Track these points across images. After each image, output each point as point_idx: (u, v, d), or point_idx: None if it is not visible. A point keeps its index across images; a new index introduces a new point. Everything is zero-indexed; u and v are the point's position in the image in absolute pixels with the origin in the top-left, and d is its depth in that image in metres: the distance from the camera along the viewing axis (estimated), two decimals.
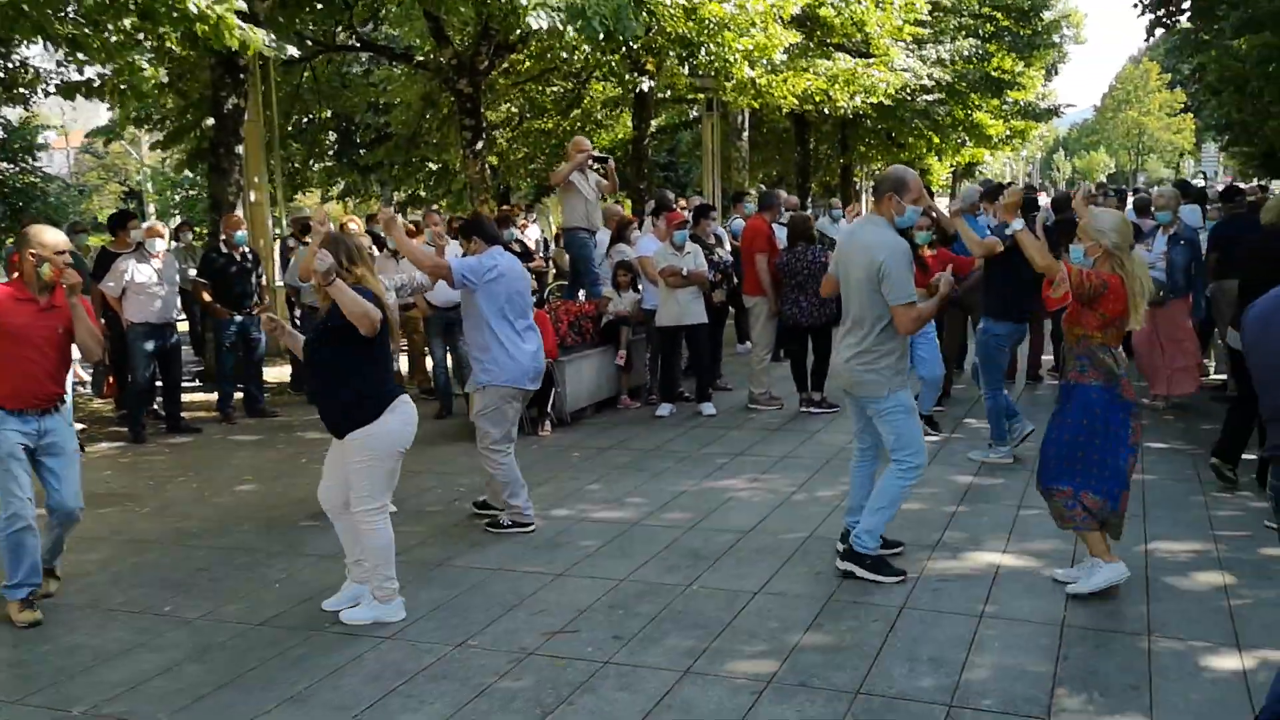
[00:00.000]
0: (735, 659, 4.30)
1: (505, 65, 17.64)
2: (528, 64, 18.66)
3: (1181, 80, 30.91)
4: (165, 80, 11.43)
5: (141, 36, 9.31)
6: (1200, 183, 25.69)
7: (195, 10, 6.65)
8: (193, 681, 4.27)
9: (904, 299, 4.90)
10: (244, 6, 7.18)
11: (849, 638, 4.48)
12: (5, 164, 17.83)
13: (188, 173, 25.18)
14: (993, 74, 27.30)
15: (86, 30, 8.11)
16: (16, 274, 5.06)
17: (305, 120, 19.90)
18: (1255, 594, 4.83)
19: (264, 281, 9.80)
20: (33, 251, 4.92)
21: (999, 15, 27.69)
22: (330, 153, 24.40)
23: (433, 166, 24.24)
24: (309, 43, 15.24)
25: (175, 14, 6.73)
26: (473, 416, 6.17)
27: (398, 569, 4.93)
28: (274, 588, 5.32)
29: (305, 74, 17.39)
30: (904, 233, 5.26)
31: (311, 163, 22.21)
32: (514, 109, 21.64)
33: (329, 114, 21.47)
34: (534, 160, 25.09)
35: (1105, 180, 65.67)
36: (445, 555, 5.74)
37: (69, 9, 8.18)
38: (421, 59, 16.36)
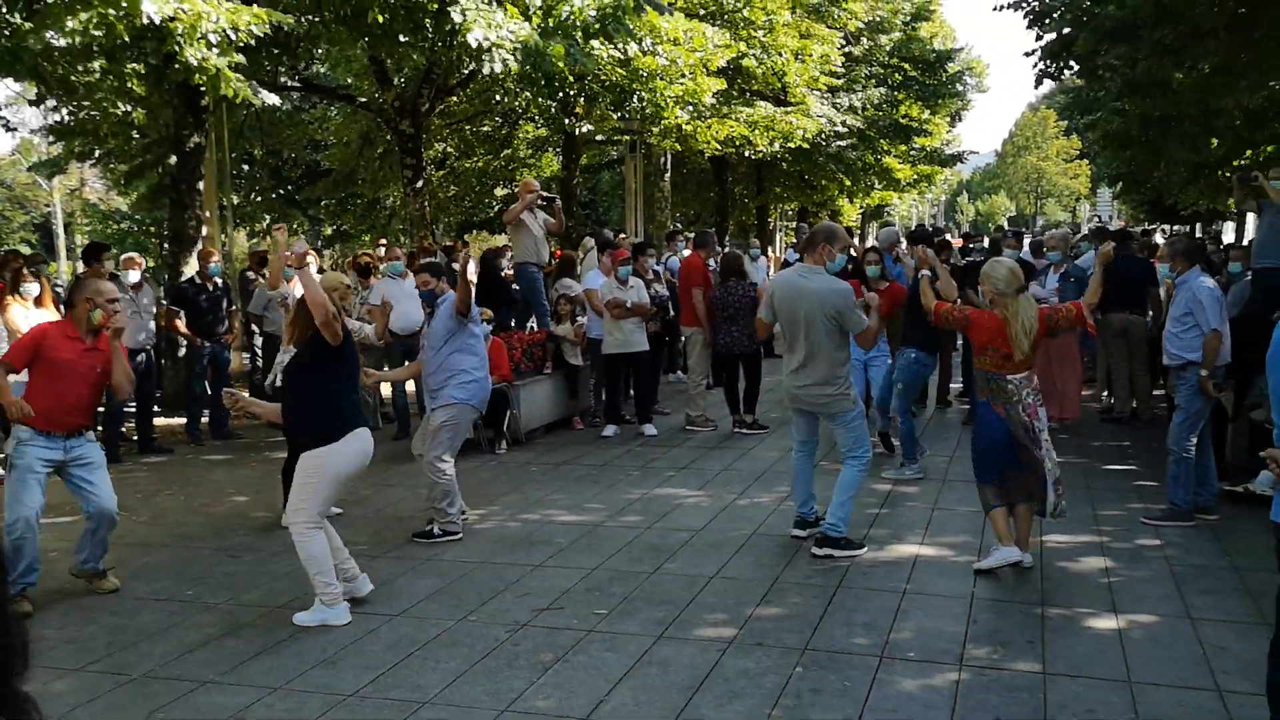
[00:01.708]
0: (701, 626, 5.08)
1: (442, 106, 18.38)
2: (464, 105, 19.40)
3: (1076, 129, 32.77)
4: (132, 119, 11.90)
5: (106, 76, 9.87)
6: (1096, 225, 27.34)
7: (195, 62, 7.29)
8: (232, 651, 4.91)
9: (861, 326, 6.09)
10: (242, 59, 7.81)
11: (795, 609, 5.29)
12: None
13: (121, 207, 25.35)
14: (901, 121, 28.80)
15: (69, 70, 8.63)
16: (66, 315, 5.67)
17: (244, 157, 20.34)
18: (1129, 573, 5.77)
19: (233, 310, 10.34)
20: (88, 297, 5.54)
21: (907, 66, 29.24)
22: (259, 188, 24.79)
23: (359, 202, 24.81)
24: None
25: (177, 64, 7.35)
26: (432, 428, 6.77)
27: (392, 563, 5.62)
28: (284, 579, 5.96)
29: (245, 113, 17.90)
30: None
31: (255, 197, 22.60)
32: (449, 148, 22.33)
33: (262, 151, 21.92)
34: (463, 198, 25.81)
35: (1005, 224, 68.23)
36: (432, 552, 6.42)
37: (53, 52, 8.73)
38: (364, 100, 17.00)
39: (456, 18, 9.96)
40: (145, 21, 6.71)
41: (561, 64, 10.36)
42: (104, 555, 5.88)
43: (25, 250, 13.80)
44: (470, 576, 5.94)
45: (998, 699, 4.23)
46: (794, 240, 20.41)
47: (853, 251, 9.24)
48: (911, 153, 31.20)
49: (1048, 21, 12.71)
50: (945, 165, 37.35)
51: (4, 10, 7.81)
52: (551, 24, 11.05)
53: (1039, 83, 13.28)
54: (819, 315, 5.98)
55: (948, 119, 35.81)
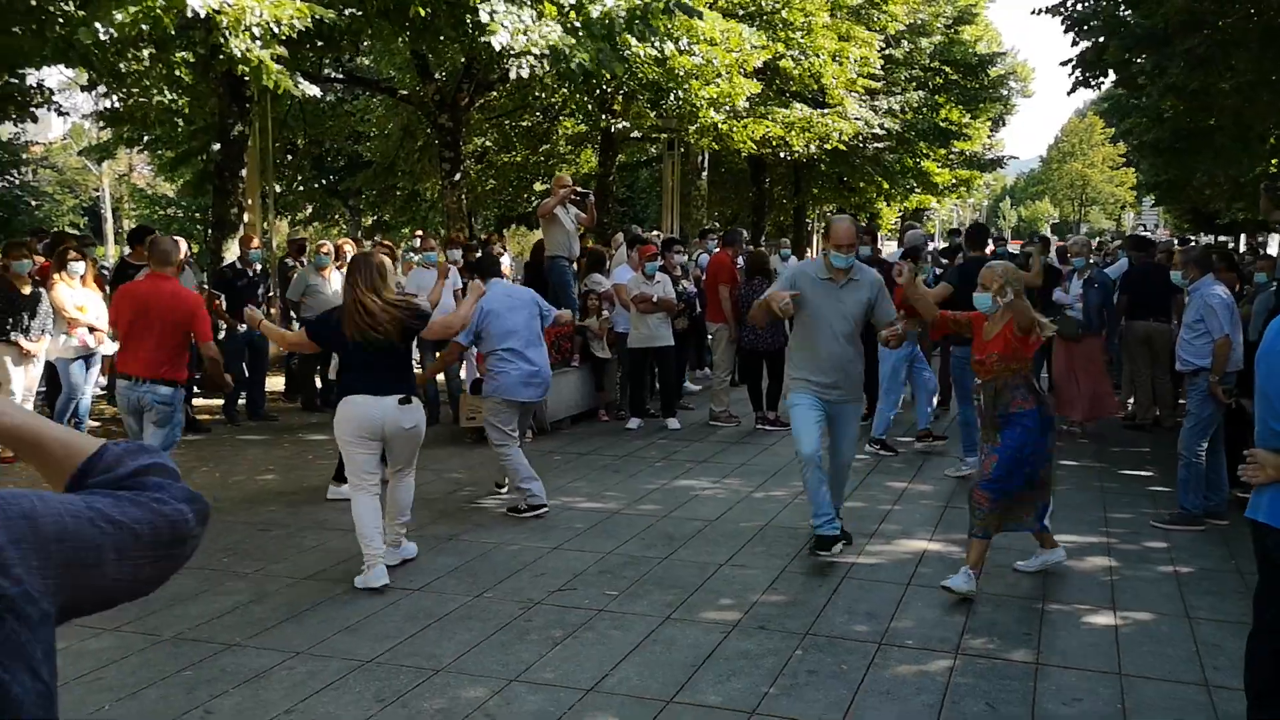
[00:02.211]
0: (707, 610, 5.25)
1: (482, 101, 18.63)
2: (503, 100, 19.65)
3: (1121, 135, 32.61)
4: (178, 107, 12.23)
5: (154, 65, 10.17)
6: (1128, 234, 27.23)
7: (239, 54, 7.55)
8: (259, 617, 5.14)
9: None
10: (284, 52, 8.07)
11: (800, 597, 5.45)
12: None
13: (168, 193, 25.85)
14: (940, 124, 28.73)
15: (119, 59, 8.92)
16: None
17: (287, 147, 20.71)
18: (1133, 573, 5.88)
19: (271, 296, 10.63)
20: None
21: (948, 69, 29.17)
22: (302, 178, 25.20)
23: (399, 193, 25.18)
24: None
25: (222, 55, 7.62)
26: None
27: (418, 546, 5.92)
28: (311, 552, 6.20)
29: (289, 103, 18.25)
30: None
31: (297, 186, 23.03)
32: (488, 143, 22.60)
33: (305, 141, 22.29)
34: (502, 192, 26.08)
35: (1045, 232, 67.68)
36: (452, 532, 6.64)
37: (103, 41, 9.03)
38: (405, 93, 17.28)
39: (483, 18, 10.16)
40: (191, 14, 6.99)
41: (592, 66, 10.54)
42: None
43: (72, 233, 14.17)
44: (488, 556, 6.15)
45: (989, 685, 4.38)
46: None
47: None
48: (950, 157, 31.12)
49: (1084, 28, 12.78)
50: (985, 170, 37.22)
51: (60, 1, 8.10)
52: (582, 22, 11.25)
53: (1074, 89, 13.33)
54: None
55: (989, 123, 35.64)
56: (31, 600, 1.15)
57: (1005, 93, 35.91)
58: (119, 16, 6.74)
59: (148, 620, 5.10)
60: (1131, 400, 10.72)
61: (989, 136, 38.01)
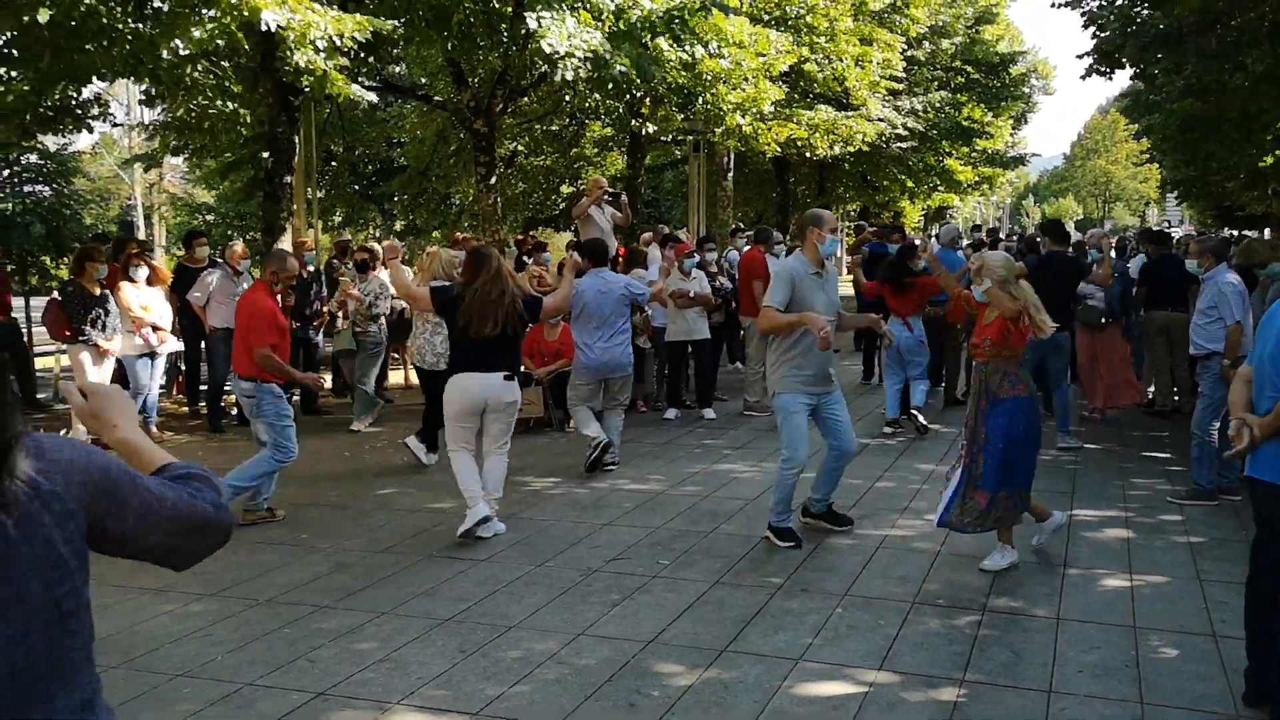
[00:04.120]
0: (752, 576, 5.70)
1: (514, 106, 19.12)
2: (535, 105, 20.13)
3: (1142, 132, 32.88)
4: (238, 115, 12.77)
5: (208, 76, 10.70)
6: (1160, 228, 27.43)
7: (303, 65, 8.05)
8: (341, 584, 5.62)
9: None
10: (346, 62, 8.57)
11: (838, 564, 5.89)
12: (43, 187, 19.01)
13: (206, 200, 26.47)
14: (963, 123, 29.07)
15: (183, 73, 9.44)
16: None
17: (324, 153, 21.29)
18: (1148, 542, 6.28)
19: (323, 294, 11.12)
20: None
21: (970, 68, 29.52)
22: (338, 183, 25.81)
23: (431, 197, 25.74)
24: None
25: (286, 66, 8.12)
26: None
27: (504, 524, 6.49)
28: (382, 529, 6.69)
29: (328, 111, 18.80)
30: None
31: (332, 191, 23.62)
32: (519, 147, 23.11)
33: (341, 147, 22.86)
34: (531, 195, 26.62)
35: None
36: (510, 511, 7.09)
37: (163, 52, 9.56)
38: (440, 99, 17.79)
39: (531, 24, 10.65)
40: (264, 30, 7.48)
41: (631, 72, 10.99)
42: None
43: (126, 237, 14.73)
44: (546, 532, 6.61)
45: (1014, 637, 4.80)
46: (852, 240, 20.85)
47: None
48: (973, 155, 31.44)
49: (1102, 25, 13.14)
50: (1007, 168, 37.47)
51: (128, 19, 8.63)
52: (622, 27, 11.70)
53: (1087, 76, 13.65)
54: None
55: (1011, 121, 35.93)
56: (59, 499, 1.64)
57: (1027, 91, 36.18)
58: (196, 33, 7.26)
59: (242, 588, 5.59)
60: (1152, 388, 11.08)
61: (1011, 134, 38.31)
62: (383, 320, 10.42)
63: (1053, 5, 13.71)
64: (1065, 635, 4.81)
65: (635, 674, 4.42)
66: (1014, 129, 38.80)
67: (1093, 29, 13.00)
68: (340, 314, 10.13)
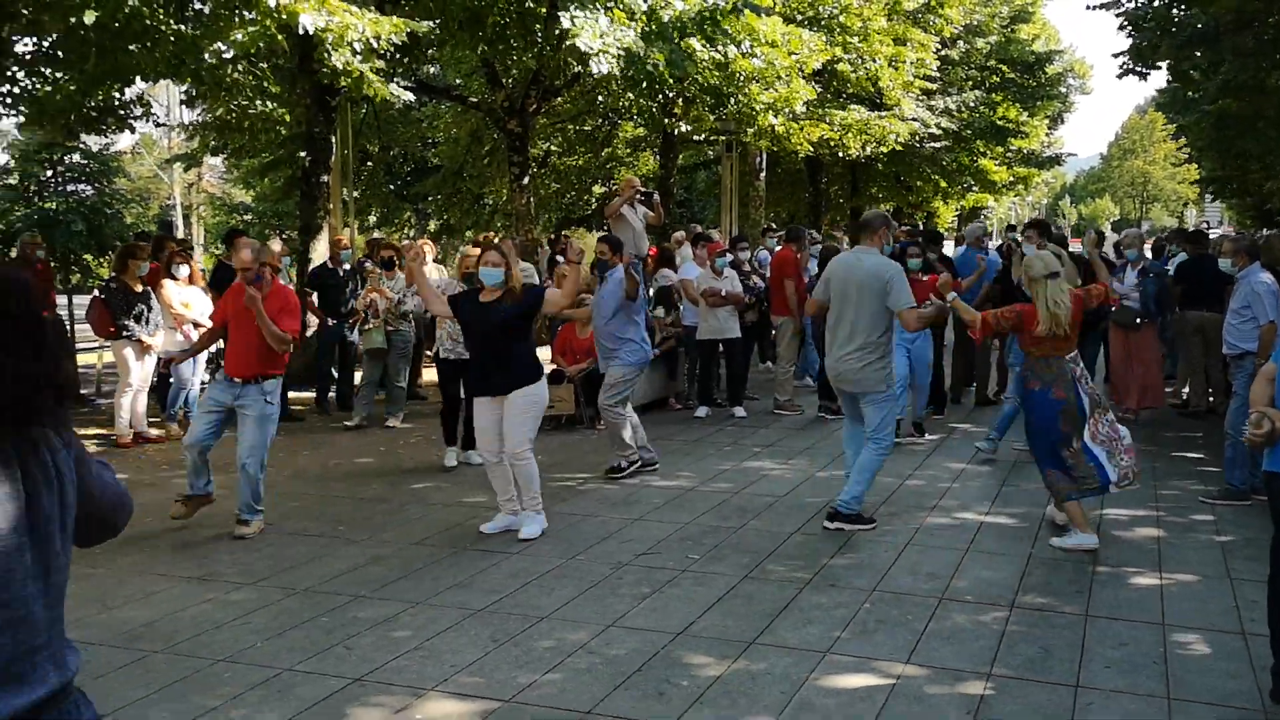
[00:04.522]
0: (780, 570, 5.75)
1: (548, 106, 19.26)
2: (568, 105, 20.25)
3: (1179, 132, 32.55)
4: (277, 115, 12.99)
5: (247, 77, 10.87)
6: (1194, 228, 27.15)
7: (340, 66, 8.19)
8: (376, 576, 5.73)
9: (907, 304, 6.46)
10: (383, 65, 8.70)
11: (867, 559, 5.93)
12: (85, 186, 19.36)
13: (243, 199, 26.81)
14: (998, 123, 28.89)
15: (224, 74, 9.61)
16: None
17: (360, 153, 21.53)
18: (1179, 541, 6.28)
19: (358, 294, 11.25)
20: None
21: (1005, 68, 29.33)
22: (372, 182, 26.06)
23: (465, 197, 25.95)
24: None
25: (324, 68, 8.26)
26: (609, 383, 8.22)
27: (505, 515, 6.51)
28: (416, 522, 6.80)
29: (364, 111, 19.01)
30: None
31: (367, 191, 23.88)
32: (552, 146, 23.25)
33: (376, 147, 23.10)
34: (563, 195, 26.75)
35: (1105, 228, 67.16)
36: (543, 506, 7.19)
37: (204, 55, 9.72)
38: (474, 100, 17.94)
39: (565, 24, 10.75)
40: (302, 32, 7.62)
41: (664, 69, 11.06)
42: (247, 502, 6.63)
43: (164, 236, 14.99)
44: (576, 526, 6.70)
45: (1042, 632, 4.83)
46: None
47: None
48: (1008, 155, 31.25)
49: (1137, 25, 13.08)
50: (1042, 168, 37.20)
51: (170, 21, 8.79)
52: (655, 27, 11.77)
53: (1123, 75, 13.59)
54: (870, 289, 6.45)
55: (1047, 121, 35.65)
56: (72, 447, 1.97)
57: (1064, 90, 35.87)
58: (239, 36, 7.40)
59: (280, 577, 5.71)
60: (1186, 389, 11.02)
61: (1047, 134, 38.00)
62: (412, 318, 10.48)
63: (1089, 7, 13.64)
64: (1093, 632, 4.83)
65: (665, 664, 4.49)
66: (1050, 129, 38.48)
67: (1128, 29, 12.94)
68: (369, 312, 10.22)
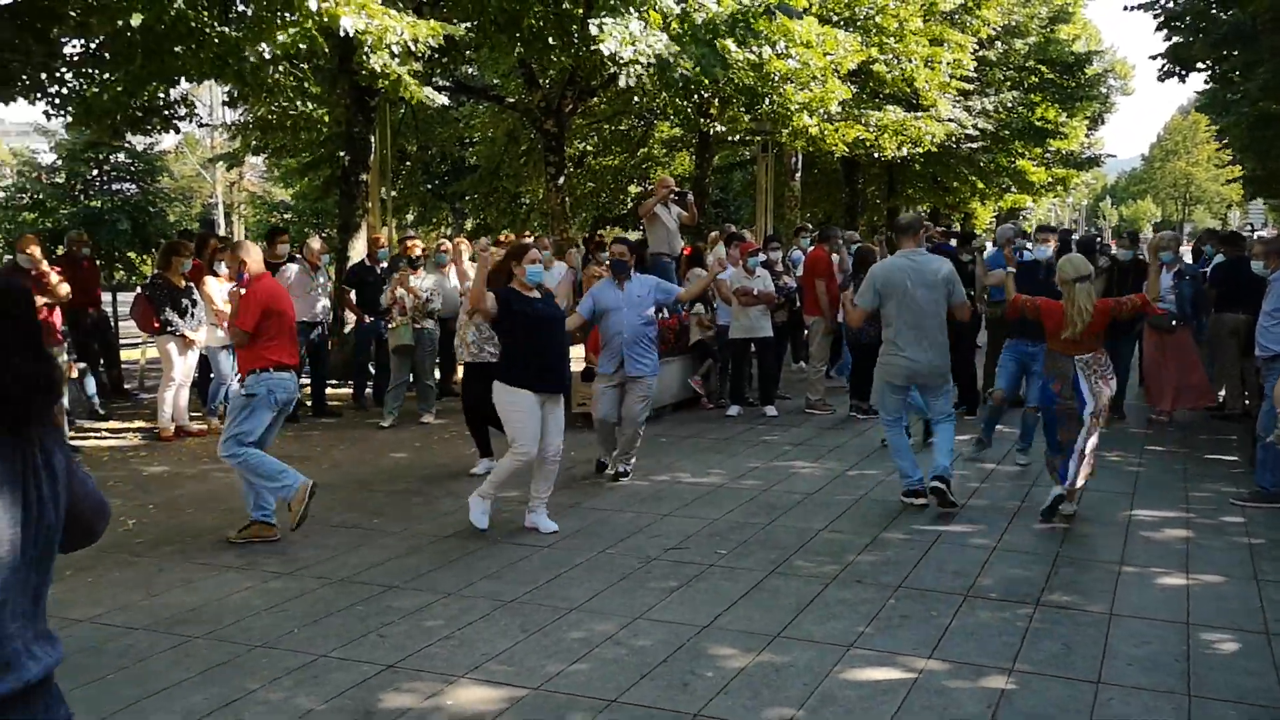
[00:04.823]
0: (807, 566, 5.83)
1: (583, 107, 19.39)
2: (604, 106, 20.37)
3: (1220, 133, 32.20)
4: (317, 115, 13.21)
5: (288, 77, 11.06)
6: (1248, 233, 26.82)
7: (378, 69, 8.34)
8: (411, 566, 5.87)
9: (965, 298, 7.09)
10: (420, 67, 8.86)
11: (894, 556, 5.99)
12: (130, 185, 19.71)
13: (283, 198, 27.15)
14: (1036, 123, 28.70)
15: (266, 75, 9.79)
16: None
17: (398, 153, 21.79)
18: (1207, 542, 6.29)
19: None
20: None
21: (1043, 68, 29.12)
22: (410, 181, 26.33)
23: (501, 196, 26.17)
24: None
25: (363, 70, 8.42)
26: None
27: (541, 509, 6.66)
28: (450, 515, 6.93)
29: (403, 111, 19.23)
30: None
31: (405, 190, 24.15)
32: (587, 146, 23.39)
33: (414, 147, 23.35)
34: (599, 194, 26.89)
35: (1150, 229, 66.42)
36: (573, 501, 7.31)
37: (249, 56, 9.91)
38: (511, 100, 18.11)
39: (594, 30, 10.86)
40: (342, 35, 7.78)
41: (694, 73, 11.16)
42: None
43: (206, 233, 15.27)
44: (607, 521, 6.80)
45: (1065, 630, 4.88)
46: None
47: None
48: (1046, 156, 31.03)
49: (1175, 25, 13.01)
50: (1081, 169, 36.88)
51: (214, 23, 8.98)
52: (686, 29, 11.87)
53: (1162, 79, 13.52)
54: (936, 287, 6.87)
55: (1086, 121, 35.35)
56: (63, 447, 2.07)
57: (1104, 91, 35.55)
58: (281, 38, 7.57)
59: (317, 567, 5.86)
60: (1223, 392, 10.96)
61: (1087, 135, 37.68)
62: (438, 316, 10.51)
63: (1126, 8, 13.58)
64: (1117, 630, 4.87)
65: (690, 656, 4.58)
66: (1090, 130, 38.16)
67: (1165, 31, 12.88)
68: (396, 309, 10.29)
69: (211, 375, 9.97)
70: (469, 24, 10.60)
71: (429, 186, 26.12)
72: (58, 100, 11.02)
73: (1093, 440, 6.53)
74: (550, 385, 6.60)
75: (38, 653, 1.94)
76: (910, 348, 6.94)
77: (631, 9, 11.17)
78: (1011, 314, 7.16)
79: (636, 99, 19.08)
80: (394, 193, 20.33)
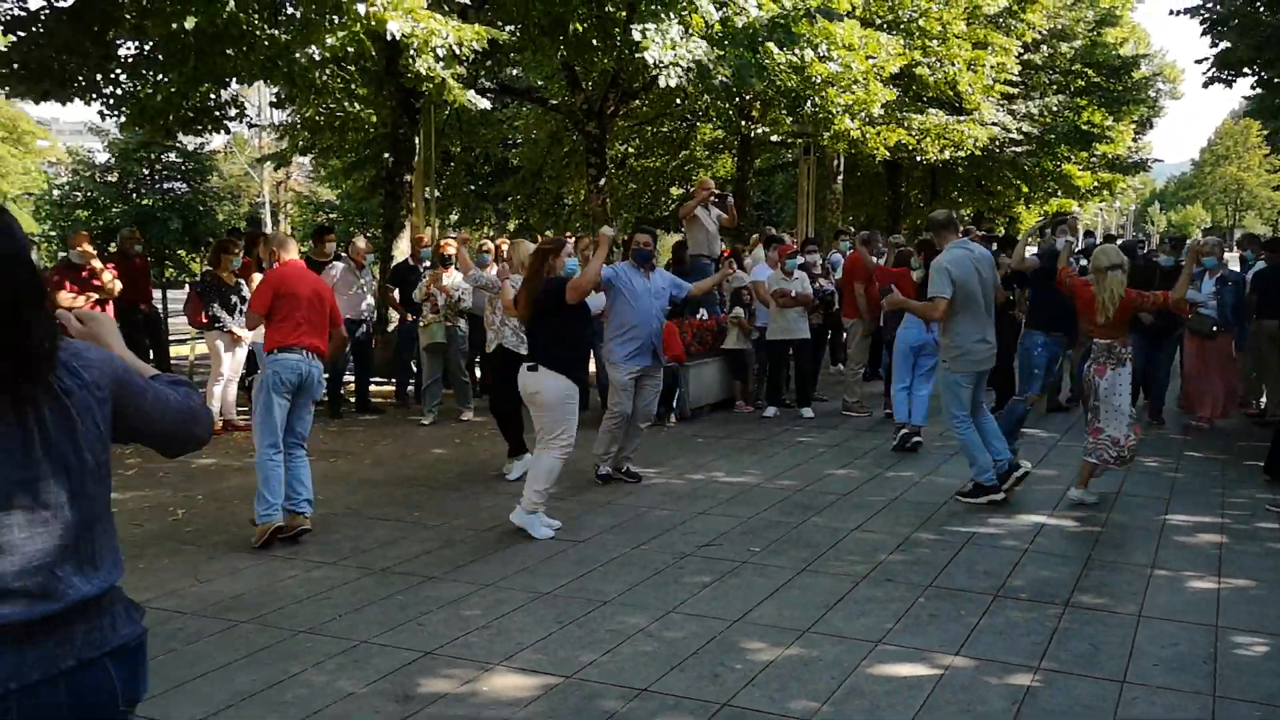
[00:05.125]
0: (838, 565, 5.90)
1: (626, 109, 19.53)
2: (646, 108, 20.49)
3: (1270, 136, 31.69)
4: (364, 116, 13.45)
5: (335, 79, 11.26)
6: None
7: (423, 72, 8.51)
8: (450, 558, 6.01)
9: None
10: (464, 71, 9.02)
11: (925, 557, 6.05)
12: (180, 184, 20.10)
13: (330, 197, 27.52)
14: (1082, 127, 28.45)
15: (314, 77, 10.01)
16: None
17: (442, 154, 22.04)
18: (1242, 548, 6.29)
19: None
20: None
21: (1090, 72, 28.88)
22: (454, 182, 26.59)
23: (544, 197, 26.37)
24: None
25: (408, 73, 8.59)
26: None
27: (574, 505, 6.79)
28: (488, 510, 7.07)
29: (447, 113, 19.47)
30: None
31: (448, 190, 24.42)
32: (629, 149, 23.52)
33: (459, 148, 23.58)
34: (641, 195, 27.02)
35: (1200, 233, 65.47)
36: (608, 498, 7.43)
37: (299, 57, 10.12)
38: (554, 102, 18.28)
39: (636, 36, 10.98)
40: (390, 39, 7.96)
41: (732, 81, 11.25)
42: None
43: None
44: (641, 518, 6.91)
45: (1094, 630, 4.92)
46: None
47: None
48: (1092, 160, 30.75)
49: (1222, 29, 12.91)
50: (1127, 173, 36.46)
51: (264, 25, 9.20)
52: (726, 34, 11.96)
53: (1207, 85, 13.43)
54: (990, 276, 7.30)
55: (1134, 125, 34.98)
56: (98, 387, 2.09)
57: (1152, 94, 35.17)
58: (330, 40, 7.76)
59: (359, 558, 6.01)
60: (1264, 398, 10.88)
61: (1134, 139, 37.27)
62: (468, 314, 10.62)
63: (1171, 12, 13.49)
64: (1145, 631, 4.91)
65: (720, 648, 4.67)
66: (1137, 134, 37.75)
67: (1210, 36, 12.78)
68: (428, 305, 10.40)
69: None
70: (513, 27, 10.77)
71: (472, 187, 26.40)
72: (112, 100, 11.32)
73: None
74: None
75: (77, 581, 2.04)
76: (987, 331, 7.27)
77: (672, 14, 11.29)
78: (1061, 286, 7.53)
79: (678, 101, 19.21)
80: (437, 193, 20.56)
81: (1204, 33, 13.15)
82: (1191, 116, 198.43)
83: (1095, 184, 33.14)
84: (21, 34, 9.82)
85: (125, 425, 2.18)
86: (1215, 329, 9.97)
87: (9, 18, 9.96)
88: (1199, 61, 13.06)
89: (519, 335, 8.09)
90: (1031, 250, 10.34)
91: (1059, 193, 31.73)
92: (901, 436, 9.15)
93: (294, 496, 6.39)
